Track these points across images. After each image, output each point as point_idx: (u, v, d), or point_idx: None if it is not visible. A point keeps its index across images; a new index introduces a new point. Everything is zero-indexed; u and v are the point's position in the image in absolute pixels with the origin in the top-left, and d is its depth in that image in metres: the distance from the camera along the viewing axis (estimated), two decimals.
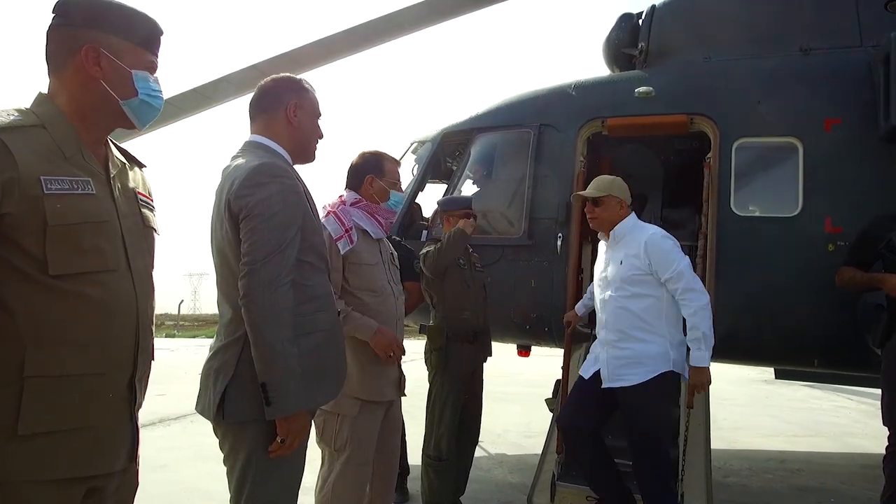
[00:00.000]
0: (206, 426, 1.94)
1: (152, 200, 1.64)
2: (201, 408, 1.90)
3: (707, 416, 3.75)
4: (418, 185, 5.14)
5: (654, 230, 3.12)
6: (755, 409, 8.47)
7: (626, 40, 5.11)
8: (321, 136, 2.12)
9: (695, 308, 2.96)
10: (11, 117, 1.33)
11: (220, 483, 2.01)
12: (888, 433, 3.04)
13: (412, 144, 5.50)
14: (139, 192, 1.58)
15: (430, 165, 5.17)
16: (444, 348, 3.58)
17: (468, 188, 5.03)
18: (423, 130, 5.57)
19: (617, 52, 5.17)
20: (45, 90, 1.47)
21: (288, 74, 2.14)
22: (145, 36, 1.52)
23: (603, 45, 5.34)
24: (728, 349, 4.05)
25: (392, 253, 2.85)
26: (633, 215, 3.22)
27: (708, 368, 2.98)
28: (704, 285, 3.94)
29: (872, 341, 3.34)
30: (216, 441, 1.93)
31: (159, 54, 1.59)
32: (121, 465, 1.46)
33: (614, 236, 3.17)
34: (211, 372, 1.87)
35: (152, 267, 1.58)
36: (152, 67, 1.54)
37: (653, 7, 5.02)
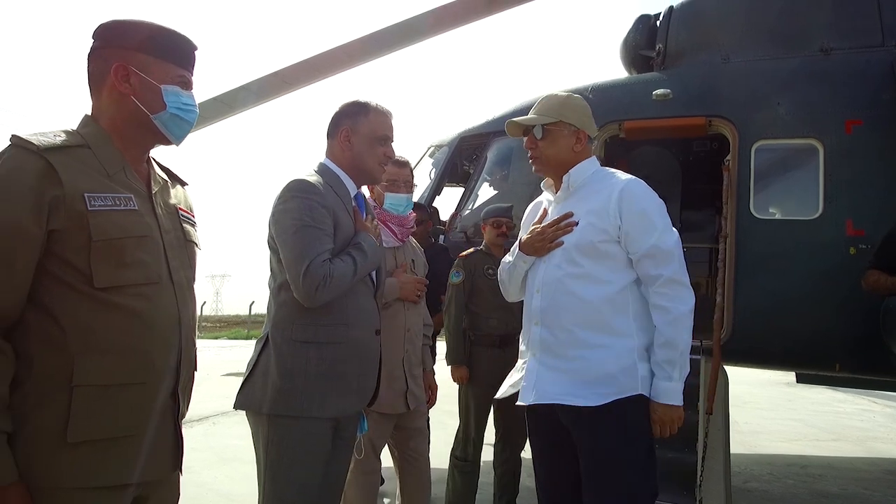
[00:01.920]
0: (229, 428, 2.01)
1: (194, 216, 1.69)
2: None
3: (727, 421, 3.72)
4: (435, 189, 5.17)
5: (631, 177, 2.09)
6: (777, 413, 8.36)
7: (644, 42, 5.10)
8: (382, 158, 2.17)
9: (675, 314, 1.94)
10: (58, 139, 1.40)
11: (241, 485, 2.06)
12: None
13: (429, 148, 5.53)
14: (180, 209, 1.63)
15: (448, 169, 5.19)
16: (469, 354, 3.61)
17: (485, 191, 5.04)
18: (440, 134, 5.59)
19: (634, 54, 5.16)
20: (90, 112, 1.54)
21: (352, 100, 2.20)
22: (174, 52, 1.56)
23: (620, 47, 5.33)
24: (749, 353, 4.02)
25: (413, 260, 2.88)
26: (594, 158, 2.21)
27: (681, 407, 1.97)
28: (724, 290, 3.97)
29: None
30: (238, 443, 1.99)
31: (193, 70, 1.63)
32: (165, 474, 1.50)
33: (568, 184, 2.13)
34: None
35: (194, 280, 1.64)
36: (183, 82, 1.58)
37: (670, 8, 5.00)
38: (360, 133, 2.13)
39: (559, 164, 2.13)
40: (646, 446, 2.00)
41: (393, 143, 2.22)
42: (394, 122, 2.23)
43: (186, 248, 1.60)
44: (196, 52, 1.63)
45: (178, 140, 1.61)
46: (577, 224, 2.05)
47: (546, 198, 2.28)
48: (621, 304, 2.00)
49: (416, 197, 3.73)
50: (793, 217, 4.11)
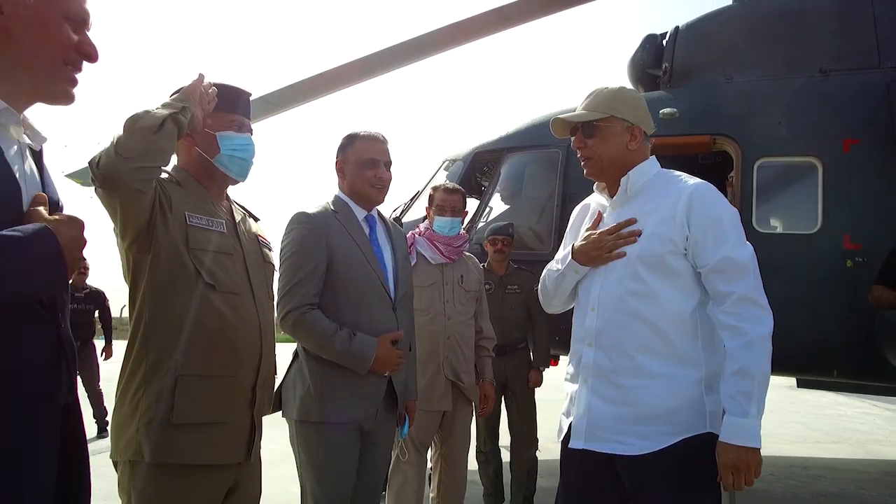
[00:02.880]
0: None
1: (270, 243, 1.99)
2: None
3: None
4: (466, 198, 5.41)
5: (701, 181, 1.85)
6: (780, 416, 8.57)
7: (651, 61, 5.30)
8: (373, 180, 2.31)
9: (751, 336, 1.65)
10: (164, 175, 1.71)
11: (272, 486, 2.30)
12: None
13: (444, 162, 5.75)
14: (259, 235, 1.92)
15: (463, 183, 5.41)
16: None
17: (499, 205, 5.27)
18: (455, 148, 5.82)
19: (642, 73, 5.37)
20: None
21: (344, 135, 2.40)
22: (227, 102, 1.83)
23: (628, 65, 5.54)
24: None
25: (462, 276, 3.13)
26: (654, 158, 1.96)
27: (758, 449, 1.64)
28: None
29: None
30: (267, 445, 2.25)
31: (248, 113, 1.89)
32: (239, 458, 1.74)
33: (626, 187, 1.89)
34: None
35: (271, 295, 1.93)
36: (236, 126, 1.84)
37: (676, 28, 5.21)
38: (349, 161, 2.35)
39: (614, 164, 1.89)
40: (714, 497, 1.74)
41: (388, 164, 2.35)
42: (385, 146, 2.36)
43: (265, 268, 1.88)
44: (249, 99, 1.90)
45: (239, 176, 1.88)
46: (640, 233, 1.80)
47: (597, 200, 2.04)
48: (689, 327, 1.75)
49: None
50: (793, 231, 4.34)
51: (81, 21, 1.15)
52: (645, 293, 1.76)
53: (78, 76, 1.16)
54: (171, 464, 1.59)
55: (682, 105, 4.63)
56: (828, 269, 4.09)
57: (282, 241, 2.23)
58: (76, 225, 1.11)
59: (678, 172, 1.92)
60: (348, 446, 2.19)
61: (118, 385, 1.67)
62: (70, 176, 6.55)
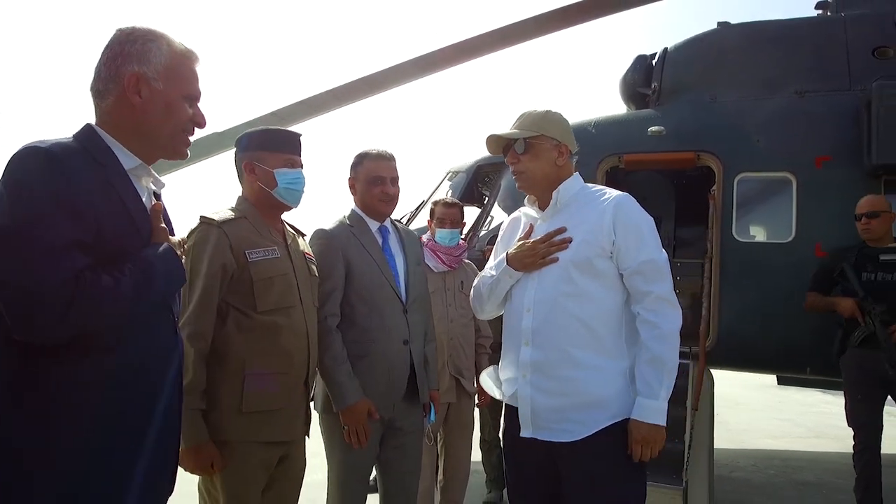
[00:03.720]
0: None
1: (314, 258, 2.38)
2: None
3: (711, 416, 4.32)
4: (464, 211, 5.79)
5: (622, 193, 2.09)
6: (766, 413, 8.96)
7: (641, 80, 5.67)
8: (380, 195, 2.60)
9: (664, 330, 1.93)
10: (228, 214, 2.11)
11: None
12: (853, 433, 3.65)
13: (448, 173, 6.13)
14: (306, 253, 2.32)
15: (465, 194, 5.79)
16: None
17: (499, 214, 5.64)
18: (459, 160, 6.20)
19: (632, 91, 5.75)
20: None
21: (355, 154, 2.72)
22: (280, 144, 2.24)
23: (620, 84, 5.92)
24: (732, 358, 4.62)
25: (462, 282, 3.50)
26: (577, 175, 2.19)
27: (664, 427, 1.93)
28: (709, 304, 4.56)
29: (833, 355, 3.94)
30: None
31: (300, 151, 2.28)
32: (299, 436, 2.20)
33: (556, 200, 2.11)
34: None
35: (316, 304, 2.32)
36: (290, 163, 2.23)
37: (665, 49, 5.60)
38: (360, 179, 2.64)
39: (543, 178, 2.11)
40: (639, 471, 1.98)
41: (394, 180, 2.61)
42: (391, 164, 2.62)
43: (311, 282, 2.28)
44: (300, 139, 2.30)
45: (293, 204, 2.28)
46: (571, 240, 2.01)
47: (526, 213, 2.26)
48: (615, 323, 2.00)
49: None
50: (769, 240, 4.74)
51: (195, 98, 1.52)
52: (577, 294, 1.98)
53: (191, 138, 1.54)
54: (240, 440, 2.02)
55: (670, 123, 5.01)
56: (801, 276, 4.45)
57: None
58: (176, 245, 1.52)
59: (600, 186, 2.19)
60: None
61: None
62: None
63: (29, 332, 1.21)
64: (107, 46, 1.43)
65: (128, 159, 1.42)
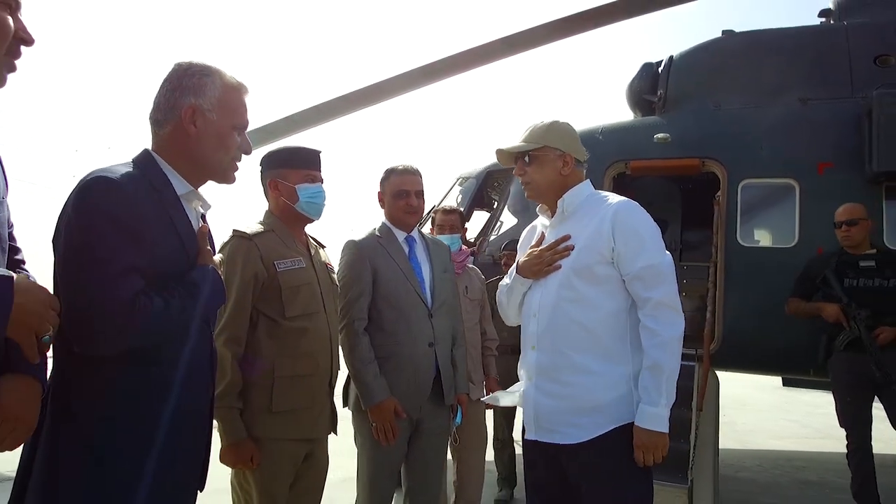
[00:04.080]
0: None
1: (335, 267, 2.55)
2: None
3: (716, 416, 4.43)
4: (463, 217, 5.92)
5: (624, 199, 2.13)
6: (773, 414, 9.04)
7: (647, 87, 5.78)
8: (405, 207, 2.75)
9: (664, 337, 1.94)
10: (258, 228, 2.27)
11: None
12: (846, 434, 3.77)
13: (458, 178, 6.26)
14: (327, 263, 2.49)
15: (475, 200, 5.93)
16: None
17: (508, 219, 5.78)
18: (468, 166, 6.33)
19: (638, 98, 5.86)
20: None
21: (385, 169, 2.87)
22: (301, 160, 2.41)
23: (626, 91, 6.04)
24: (736, 360, 4.74)
25: (467, 286, 3.61)
26: (587, 182, 2.24)
27: (666, 434, 1.95)
28: (715, 307, 4.67)
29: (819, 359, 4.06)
30: None
31: (319, 167, 2.42)
32: (325, 433, 2.36)
33: (563, 208, 2.17)
34: None
35: (337, 310, 2.48)
36: (310, 178, 2.39)
37: (671, 57, 5.71)
38: (387, 193, 2.80)
39: (549, 187, 2.17)
40: (643, 474, 2.00)
41: (419, 193, 2.76)
42: (416, 177, 2.78)
43: (332, 290, 2.44)
44: (319, 155, 2.45)
45: (315, 216, 2.44)
46: (573, 248, 2.07)
47: (541, 222, 2.32)
48: (618, 328, 2.02)
49: None
50: (773, 245, 4.85)
51: (244, 128, 1.66)
52: (578, 299, 2.03)
53: (238, 164, 1.67)
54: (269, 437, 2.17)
55: (675, 130, 5.12)
56: None
57: (338, 266, 2.74)
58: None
59: (606, 193, 2.22)
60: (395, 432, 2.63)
61: None
62: None
63: (91, 347, 1.35)
64: (166, 79, 1.57)
65: (181, 185, 1.57)
